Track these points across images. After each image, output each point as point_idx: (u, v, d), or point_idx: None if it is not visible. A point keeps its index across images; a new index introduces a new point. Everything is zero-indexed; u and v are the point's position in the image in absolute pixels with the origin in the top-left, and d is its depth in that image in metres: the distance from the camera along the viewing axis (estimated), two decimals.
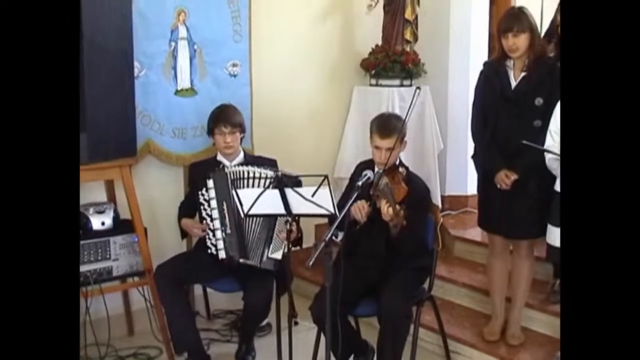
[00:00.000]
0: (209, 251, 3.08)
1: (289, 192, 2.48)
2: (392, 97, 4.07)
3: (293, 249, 2.69)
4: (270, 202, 2.53)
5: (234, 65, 3.68)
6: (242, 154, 3.22)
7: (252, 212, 2.60)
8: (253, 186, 2.90)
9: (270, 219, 2.96)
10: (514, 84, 2.91)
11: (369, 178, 2.65)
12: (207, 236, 3.07)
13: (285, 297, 2.98)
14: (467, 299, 3.63)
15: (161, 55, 3.41)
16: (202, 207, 3.07)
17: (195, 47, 3.52)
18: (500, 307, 3.19)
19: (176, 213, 3.26)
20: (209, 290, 3.56)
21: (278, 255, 2.99)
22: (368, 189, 2.69)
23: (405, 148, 2.96)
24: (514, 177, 2.89)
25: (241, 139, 3.22)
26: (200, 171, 3.14)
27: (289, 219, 2.56)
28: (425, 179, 3.17)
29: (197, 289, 3.64)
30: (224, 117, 3.13)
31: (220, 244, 3.04)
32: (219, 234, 3.04)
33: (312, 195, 2.40)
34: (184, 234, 3.25)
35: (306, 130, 4.20)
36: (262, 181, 2.90)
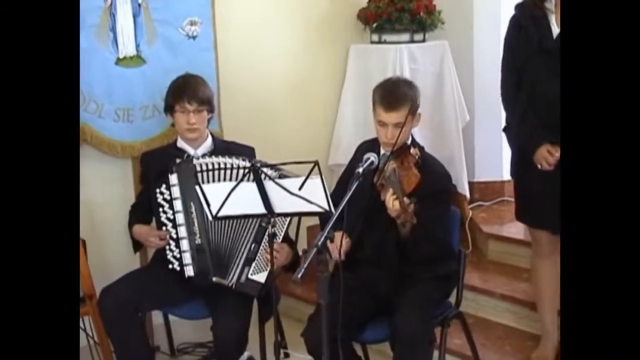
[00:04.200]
0: (171, 267, 3.09)
1: (269, 185, 2.48)
2: (400, 57, 4.05)
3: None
4: (245, 200, 2.54)
5: (192, 23, 3.66)
6: (210, 140, 3.25)
7: (222, 212, 2.61)
8: (224, 179, 2.92)
9: (257, 229, 2.97)
10: (556, 31, 2.91)
11: (372, 162, 2.66)
12: (167, 247, 3.08)
13: (271, 322, 2.98)
14: (507, 314, 3.64)
15: (94, 12, 3.39)
16: (161, 210, 3.08)
17: (140, 0, 3.50)
18: (552, 324, 3.18)
19: (125, 219, 3.27)
20: (171, 317, 3.55)
21: (261, 278, 2.99)
22: (372, 177, 2.69)
23: (419, 123, 2.97)
24: (559, 153, 2.86)
25: (209, 120, 3.24)
26: (157, 162, 3.15)
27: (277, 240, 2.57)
28: (446, 163, 3.19)
29: (156, 316, 3.64)
30: (188, 91, 3.13)
31: (187, 258, 3.05)
32: (185, 244, 3.05)
33: (300, 188, 2.39)
34: (138, 245, 3.25)
35: (290, 105, 4.20)
36: (235, 172, 2.90)
